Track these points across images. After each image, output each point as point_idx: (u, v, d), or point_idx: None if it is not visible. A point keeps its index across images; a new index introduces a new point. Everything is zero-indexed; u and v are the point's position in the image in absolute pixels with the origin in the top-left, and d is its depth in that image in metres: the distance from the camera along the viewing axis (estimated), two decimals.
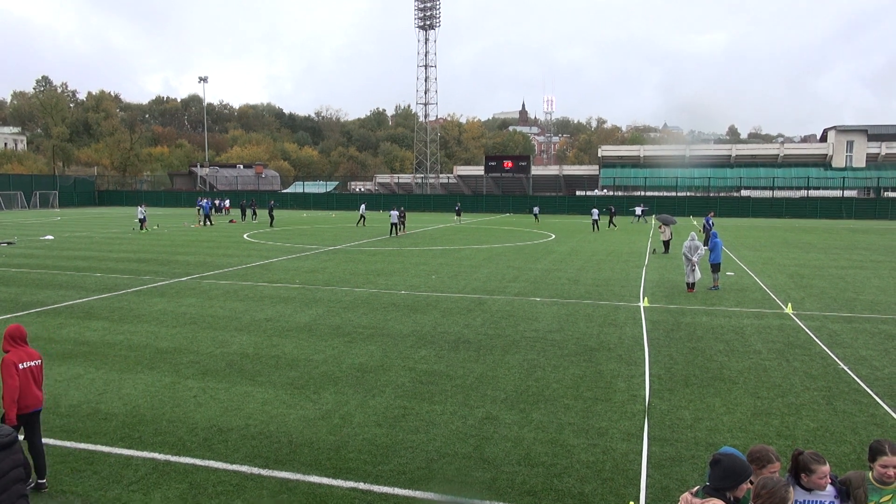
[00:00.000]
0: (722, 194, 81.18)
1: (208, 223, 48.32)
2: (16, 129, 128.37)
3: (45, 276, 21.03)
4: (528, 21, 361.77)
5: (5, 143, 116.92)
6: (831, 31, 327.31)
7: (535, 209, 58.93)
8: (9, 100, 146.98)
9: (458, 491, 6.65)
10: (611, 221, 48.04)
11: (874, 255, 28.97)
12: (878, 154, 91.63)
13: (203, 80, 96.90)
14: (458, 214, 58.03)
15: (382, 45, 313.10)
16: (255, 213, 55.83)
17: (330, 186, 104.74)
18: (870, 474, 4.44)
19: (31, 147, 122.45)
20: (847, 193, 75.26)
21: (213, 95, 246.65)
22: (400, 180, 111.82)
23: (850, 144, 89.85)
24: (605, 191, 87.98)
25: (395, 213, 38.57)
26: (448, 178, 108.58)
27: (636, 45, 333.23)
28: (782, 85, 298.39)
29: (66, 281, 19.95)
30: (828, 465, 4.22)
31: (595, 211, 47.03)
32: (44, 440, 7.81)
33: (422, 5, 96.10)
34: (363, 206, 52.64)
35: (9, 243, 31.53)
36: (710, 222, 33.08)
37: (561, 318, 14.92)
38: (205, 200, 56.91)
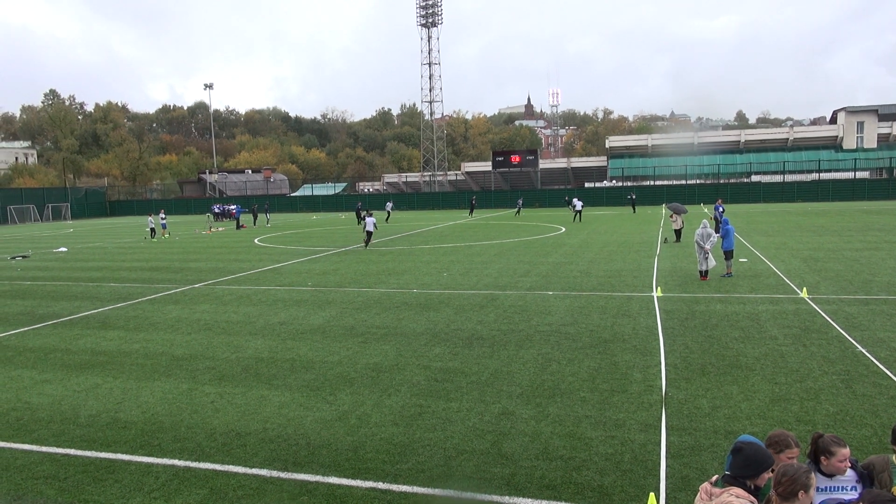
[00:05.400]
0: (732, 181, 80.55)
1: (220, 229, 48.62)
2: (26, 144, 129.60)
3: (60, 287, 21.22)
4: (533, 13, 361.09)
5: (16, 158, 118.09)
6: (844, 9, 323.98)
7: (520, 201, 59.95)
8: (18, 114, 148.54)
9: (477, 487, 6.65)
10: (577, 215, 47.90)
11: (889, 236, 28.67)
12: (890, 134, 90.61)
13: (209, 86, 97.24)
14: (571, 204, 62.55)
15: (386, 44, 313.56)
16: (267, 219, 56.29)
17: (339, 188, 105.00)
18: (893, 457, 4.39)
19: (41, 160, 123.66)
20: (859, 175, 74.52)
21: (218, 101, 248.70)
22: (408, 179, 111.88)
23: (860, 125, 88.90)
24: (613, 181, 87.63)
25: (371, 219, 31.67)
26: (456, 174, 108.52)
27: (644, 34, 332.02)
28: (793, 68, 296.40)
29: (81, 292, 20.12)
30: (848, 448, 4.17)
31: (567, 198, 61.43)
32: (64, 450, 7.91)
33: (423, 3, 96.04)
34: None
35: (24, 256, 31.84)
36: (721, 209, 32.87)
37: (574, 311, 14.88)
38: (234, 206, 58.48)
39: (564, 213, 57.83)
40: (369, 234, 31.29)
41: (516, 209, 59.69)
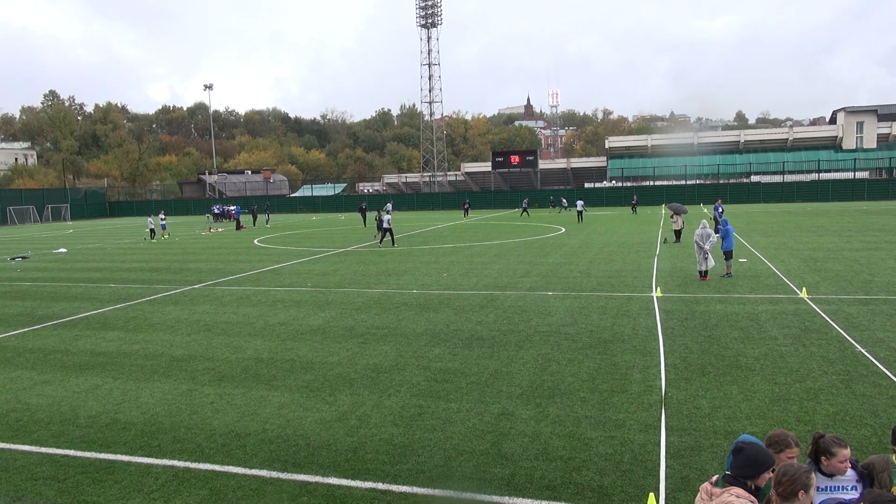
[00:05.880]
0: (732, 181, 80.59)
1: (219, 230, 48.64)
2: (26, 144, 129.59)
3: (60, 288, 21.21)
4: (533, 13, 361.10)
5: (16, 159, 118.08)
6: (844, 9, 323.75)
7: (526, 201, 59.23)
8: (17, 115, 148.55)
9: (477, 488, 6.64)
10: (579, 215, 47.70)
11: (889, 237, 28.68)
12: (889, 134, 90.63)
13: (208, 87, 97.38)
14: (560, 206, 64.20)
15: (386, 44, 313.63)
16: (267, 219, 56.31)
17: (338, 189, 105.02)
18: (893, 457, 4.39)
19: (41, 161, 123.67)
20: (859, 175, 74.53)
21: (218, 102, 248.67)
22: (408, 180, 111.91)
23: (860, 125, 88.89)
24: (613, 182, 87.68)
25: (387, 216, 32.76)
26: (456, 175, 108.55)
27: (644, 34, 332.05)
28: (794, 68, 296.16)
29: (81, 293, 20.11)
30: (849, 449, 4.17)
31: (564, 200, 64.41)
32: (64, 451, 7.90)
33: (423, 3, 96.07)
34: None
35: (23, 257, 31.82)
36: (720, 210, 32.89)
37: (574, 312, 14.87)
38: (233, 207, 58.69)
39: (566, 215, 57.81)
40: (389, 231, 32.17)
41: (523, 209, 57.99)
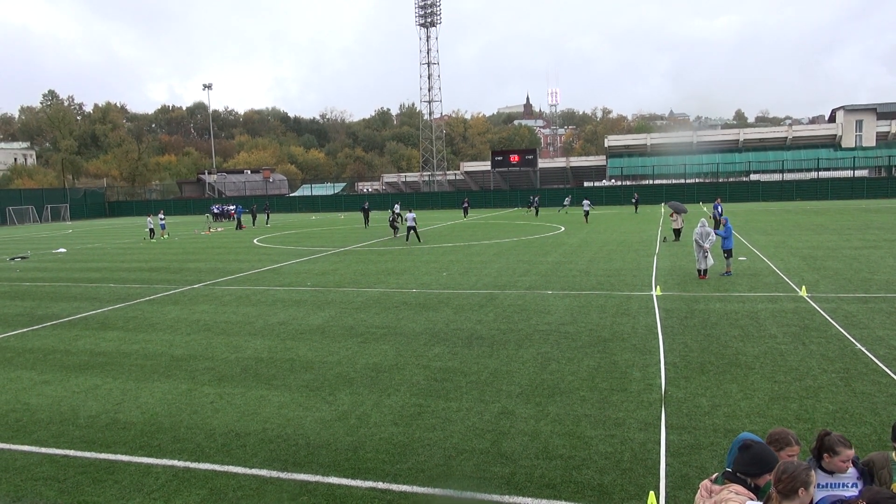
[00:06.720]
0: (731, 179, 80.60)
1: (219, 229, 48.64)
2: (25, 144, 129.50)
3: (59, 288, 21.20)
4: (533, 13, 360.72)
5: (15, 159, 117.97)
6: (844, 9, 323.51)
7: (536, 200, 57.88)
8: (17, 115, 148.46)
9: (477, 487, 6.64)
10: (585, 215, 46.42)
11: (888, 235, 28.68)
12: (889, 132, 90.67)
13: (207, 87, 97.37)
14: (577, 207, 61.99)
15: (386, 44, 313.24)
16: (267, 219, 56.31)
17: (338, 188, 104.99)
18: (893, 454, 4.39)
19: (40, 161, 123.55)
20: (858, 173, 74.53)
21: (218, 102, 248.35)
22: (407, 179, 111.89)
23: (859, 124, 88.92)
24: (612, 181, 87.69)
25: (411, 215, 33.58)
26: (455, 174, 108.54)
27: (644, 33, 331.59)
28: (794, 67, 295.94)
29: (80, 293, 20.10)
30: (853, 450, 4.18)
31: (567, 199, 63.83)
32: (64, 451, 7.90)
33: (422, 3, 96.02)
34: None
35: (22, 257, 31.81)
36: (720, 209, 32.88)
37: (573, 310, 14.87)
38: (233, 206, 58.91)
39: (570, 214, 57.77)
40: (412, 229, 33.12)
41: (535, 209, 56.21)
